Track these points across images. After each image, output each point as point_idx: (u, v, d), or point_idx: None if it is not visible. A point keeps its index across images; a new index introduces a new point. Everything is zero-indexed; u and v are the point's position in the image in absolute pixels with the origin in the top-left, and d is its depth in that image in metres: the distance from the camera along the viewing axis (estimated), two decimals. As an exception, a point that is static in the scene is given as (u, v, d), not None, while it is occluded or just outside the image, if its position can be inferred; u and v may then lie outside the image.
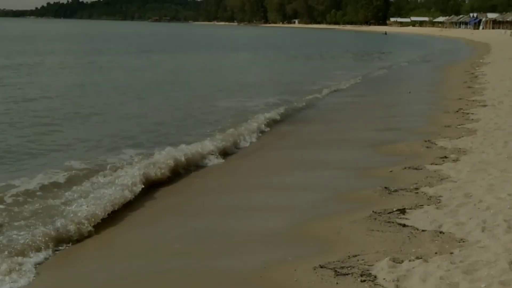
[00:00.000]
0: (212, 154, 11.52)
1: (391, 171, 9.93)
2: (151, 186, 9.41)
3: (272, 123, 15.43)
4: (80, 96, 19.64)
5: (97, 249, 7.04)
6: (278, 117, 16.28)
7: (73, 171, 9.67)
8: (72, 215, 7.49)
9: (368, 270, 5.82)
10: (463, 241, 6.42)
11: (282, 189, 9.40)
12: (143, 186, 9.01)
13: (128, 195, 8.56)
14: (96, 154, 11.07)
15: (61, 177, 9.30)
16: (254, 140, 13.44)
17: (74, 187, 8.81)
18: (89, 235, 7.29)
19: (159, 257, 6.66)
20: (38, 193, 8.56)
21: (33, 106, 17.04)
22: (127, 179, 9.03)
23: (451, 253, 6.08)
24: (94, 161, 10.41)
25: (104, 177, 9.33)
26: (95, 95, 20.10)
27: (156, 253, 6.79)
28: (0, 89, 20.68)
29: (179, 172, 10.38)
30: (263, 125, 14.79)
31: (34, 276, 6.12)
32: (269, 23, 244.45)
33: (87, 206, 7.76)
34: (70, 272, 6.35)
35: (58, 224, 7.17)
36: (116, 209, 8.06)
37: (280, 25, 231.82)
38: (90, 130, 13.86)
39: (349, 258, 6.21)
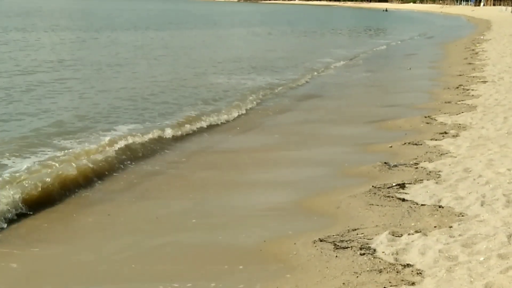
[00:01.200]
0: (205, 129, 11.69)
1: (390, 146, 9.94)
2: (142, 159, 9.52)
3: (269, 100, 15.48)
4: (73, 70, 19.48)
5: (93, 223, 6.98)
6: (275, 93, 16.36)
7: (57, 143, 9.88)
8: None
9: (367, 244, 5.84)
10: (462, 215, 6.44)
11: (281, 165, 9.43)
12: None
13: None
14: (82, 128, 11.20)
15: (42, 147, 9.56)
16: (250, 115, 13.54)
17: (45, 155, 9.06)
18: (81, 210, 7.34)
19: (158, 231, 6.66)
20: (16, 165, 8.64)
21: (25, 79, 16.93)
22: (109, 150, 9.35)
23: (450, 227, 6.10)
24: (76, 133, 10.63)
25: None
26: (88, 70, 19.89)
27: (154, 228, 6.79)
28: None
29: (166, 147, 10.41)
30: (259, 102, 14.94)
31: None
32: (269, 0, 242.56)
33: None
34: (62, 247, 6.29)
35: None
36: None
37: (281, 2, 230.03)
38: (78, 104, 13.72)
39: (348, 232, 6.23)
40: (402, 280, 5.04)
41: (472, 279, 4.78)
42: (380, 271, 5.26)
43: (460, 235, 5.82)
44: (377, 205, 6.94)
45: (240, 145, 10.96)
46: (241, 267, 5.67)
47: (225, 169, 9.22)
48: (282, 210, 7.22)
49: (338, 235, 6.15)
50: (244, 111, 13.59)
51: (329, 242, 5.97)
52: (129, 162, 9.28)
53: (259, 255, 5.91)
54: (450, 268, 5.09)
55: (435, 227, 6.16)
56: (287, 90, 17.23)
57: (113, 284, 5.46)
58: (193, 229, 6.73)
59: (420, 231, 6.01)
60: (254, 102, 14.66)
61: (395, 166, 8.62)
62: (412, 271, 5.20)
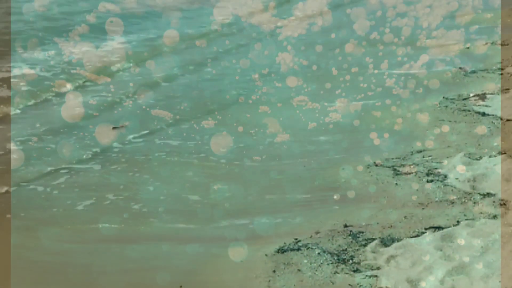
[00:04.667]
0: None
1: (468, 47, 8.88)
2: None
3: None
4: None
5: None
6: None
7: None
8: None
9: (436, 169, 5.29)
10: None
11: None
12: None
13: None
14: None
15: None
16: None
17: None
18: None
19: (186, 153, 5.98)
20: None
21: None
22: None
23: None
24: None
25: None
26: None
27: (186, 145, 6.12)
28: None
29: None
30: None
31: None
32: None
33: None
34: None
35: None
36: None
37: None
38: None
39: (412, 154, 5.72)
40: (481, 213, 4.47)
41: None
42: (453, 203, 4.67)
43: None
44: (450, 121, 6.20)
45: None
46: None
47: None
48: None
49: (398, 158, 5.45)
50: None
51: (387, 166, 5.29)
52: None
53: (306, 183, 5.20)
54: (544, 198, 4.36)
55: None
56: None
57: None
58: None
59: (505, 153, 5.21)
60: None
61: (473, 72, 7.76)
62: (494, 202, 4.56)
